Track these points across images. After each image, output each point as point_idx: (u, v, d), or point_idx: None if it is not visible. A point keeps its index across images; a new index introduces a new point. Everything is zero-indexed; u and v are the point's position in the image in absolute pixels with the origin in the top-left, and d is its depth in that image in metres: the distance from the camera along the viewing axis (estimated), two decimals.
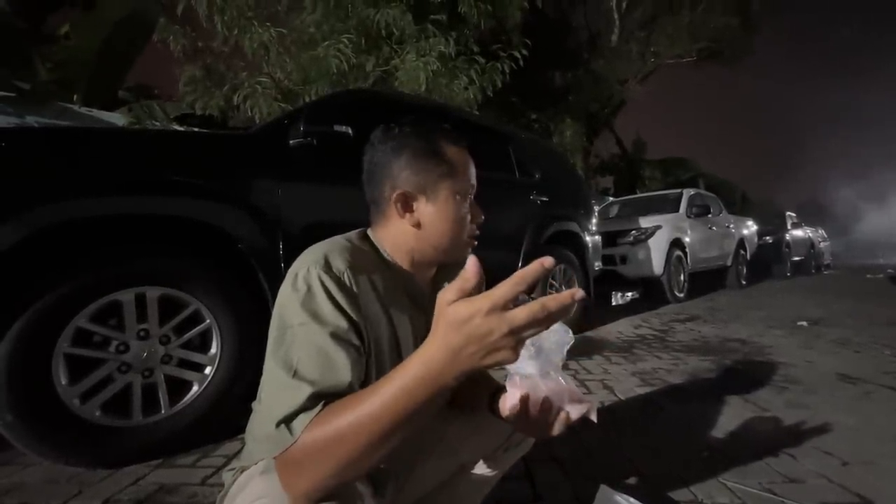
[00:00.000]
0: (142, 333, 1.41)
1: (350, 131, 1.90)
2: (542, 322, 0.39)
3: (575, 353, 2.64)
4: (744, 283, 7.01)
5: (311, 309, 0.57)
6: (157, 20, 5.41)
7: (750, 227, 7.47)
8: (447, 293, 0.42)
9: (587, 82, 9.92)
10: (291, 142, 1.79)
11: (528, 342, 0.53)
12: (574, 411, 0.59)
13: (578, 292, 0.40)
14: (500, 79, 5.49)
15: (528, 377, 0.57)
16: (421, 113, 2.54)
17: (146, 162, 1.47)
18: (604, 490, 1.02)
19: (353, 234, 0.72)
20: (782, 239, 8.65)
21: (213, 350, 1.52)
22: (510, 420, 0.61)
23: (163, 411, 1.42)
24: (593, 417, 0.60)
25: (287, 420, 0.49)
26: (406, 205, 0.69)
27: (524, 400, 0.57)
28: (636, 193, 9.90)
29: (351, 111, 2.05)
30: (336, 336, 0.56)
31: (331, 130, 1.85)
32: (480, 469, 0.81)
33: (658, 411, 1.79)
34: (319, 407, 0.50)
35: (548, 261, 0.39)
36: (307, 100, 5.04)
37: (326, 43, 4.99)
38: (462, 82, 5.22)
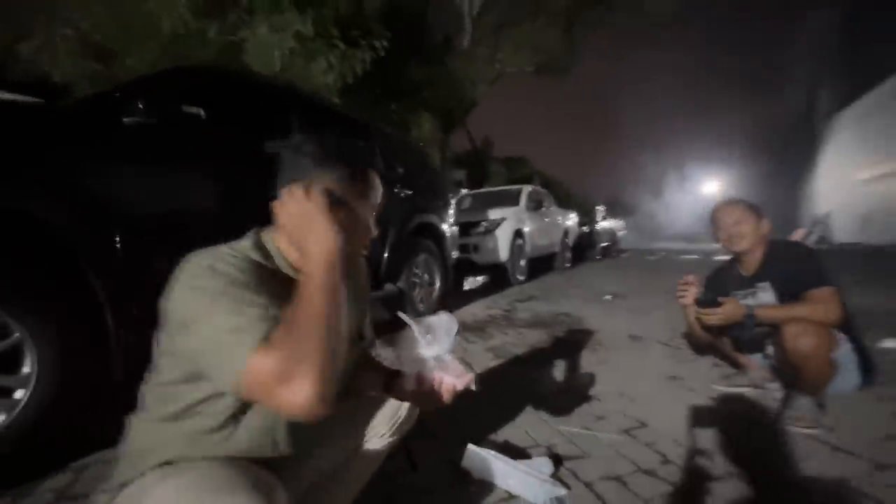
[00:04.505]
0: None
1: (202, 113, 1.73)
2: None
3: None
4: (567, 265, 8.40)
5: (225, 276, 0.60)
6: None
7: (573, 219, 8.97)
8: None
9: (443, 80, 10.46)
10: (126, 120, 1.55)
11: (422, 331, 0.68)
12: (460, 383, 0.74)
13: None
14: (361, 67, 5.44)
15: (423, 360, 0.71)
16: (288, 100, 2.41)
17: None
18: (470, 449, 1.22)
19: (244, 240, 0.70)
20: (594, 228, 10.62)
21: (26, 369, 1.26)
22: (410, 397, 0.73)
23: None
24: (474, 387, 0.76)
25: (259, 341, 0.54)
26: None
27: (421, 378, 0.71)
28: (485, 187, 10.90)
29: (199, 89, 1.86)
30: (250, 287, 0.60)
31: (178, 110, 1.66)
32: (373, 445, 0.89)
33: (508, 379, 2.12)
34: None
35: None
36: (127, 61, 4.24)
37: None
38: (321, 66, 5.03)
